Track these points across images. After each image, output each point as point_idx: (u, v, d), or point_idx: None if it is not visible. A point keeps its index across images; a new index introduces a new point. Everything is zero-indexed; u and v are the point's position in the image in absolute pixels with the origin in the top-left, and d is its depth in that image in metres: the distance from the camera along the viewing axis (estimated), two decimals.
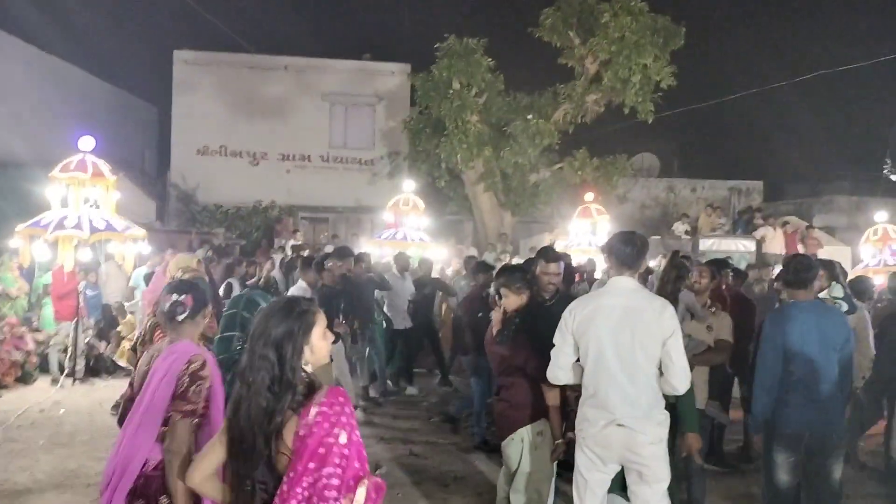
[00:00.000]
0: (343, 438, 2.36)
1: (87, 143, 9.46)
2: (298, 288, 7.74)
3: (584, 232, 14.19)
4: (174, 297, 3.28)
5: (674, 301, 5.89)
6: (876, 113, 17.67)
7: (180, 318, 3.24)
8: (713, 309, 6.73)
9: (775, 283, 8.67)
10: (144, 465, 3.05)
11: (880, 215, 12.48)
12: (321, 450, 2.34)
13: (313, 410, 2.37)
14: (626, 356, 3.71)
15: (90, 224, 9.16)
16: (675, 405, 4.19)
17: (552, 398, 4.36)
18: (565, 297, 5.04)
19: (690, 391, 4.28)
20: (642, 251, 3.91)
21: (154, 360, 3.21)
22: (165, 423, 3.05)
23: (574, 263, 10.73)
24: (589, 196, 14.55)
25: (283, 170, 21.25)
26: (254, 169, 21.14)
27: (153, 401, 3.05)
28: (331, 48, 22.66)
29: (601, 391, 3.76)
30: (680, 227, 18.40)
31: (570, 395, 4.57)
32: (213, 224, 19.52)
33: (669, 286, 5.85)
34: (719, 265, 8.47)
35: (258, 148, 21.21)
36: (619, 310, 3.76)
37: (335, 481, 2.32)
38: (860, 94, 19.95)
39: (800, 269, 4.63)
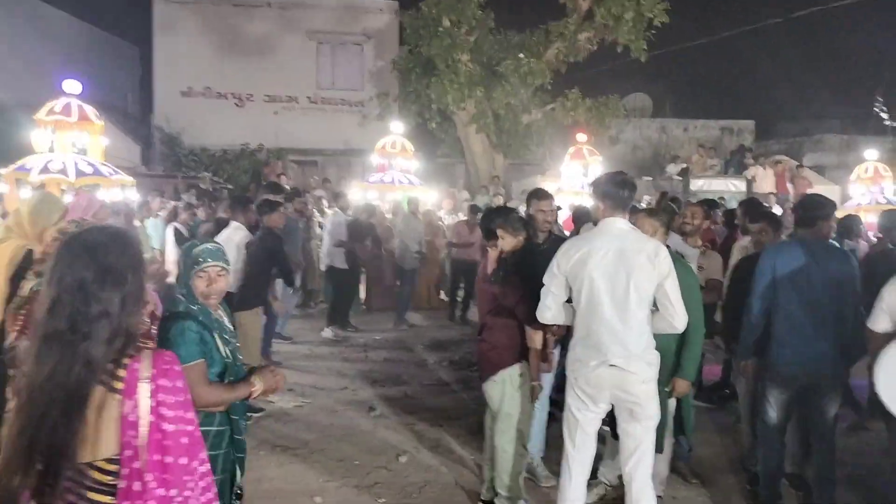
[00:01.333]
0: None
1: (72, 86, 9.21)
2: (236, 229, 7.17)
3: (576, 174, 14.09)
4: None
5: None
6: (866, 51, 17.50)
7: None
8: (703, 249, 6.77)
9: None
10: None
11: (870, 153, 12.46)
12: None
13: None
14: (620, 298, 3.72)
15: (76, 168, 9.01)
16: (678, 351, 4.26)
17: (536, 341, 4.43)
18: (558, 240, 5.04)
19: (699, 338, 4.32)
20: (633, 192, 3.91)
21: None
22: None
23: (567, 205, 10.76)
24: (581, 137, 14.40)
25: (270, 111, 20.91)
26: (239, 110, 20.80)
27: None
28: None
29: (593, 332, 3.78)
30: (672, 168, 18.35)
31: (549, 338, 4.65)
32: (199, 168, 19.27)
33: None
34: (710, 206, 8.51)
35: (244, 89, 20.83)
36: (613, 252, 3.74)
37: None
38: (850, 32, 19.74)
39: (808, 207, 4.62)
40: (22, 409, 1.85)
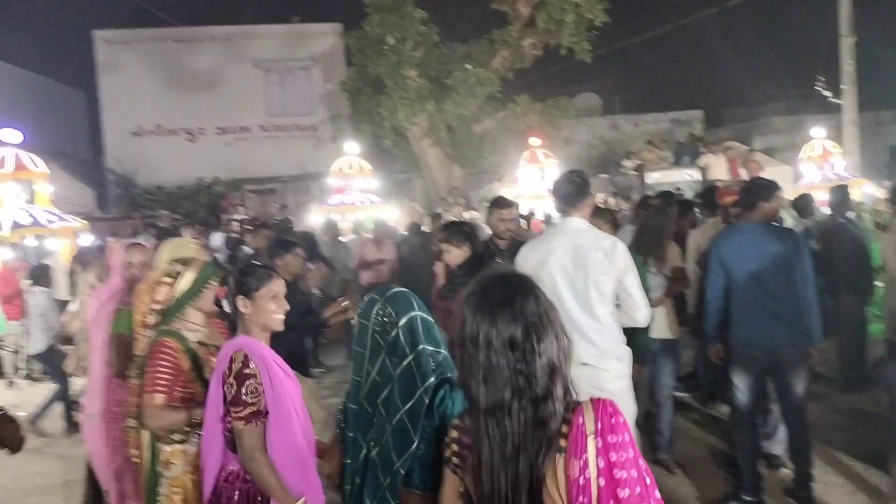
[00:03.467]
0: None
1: (11, 135, 9.08)
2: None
3: (533, 178, 14.23)
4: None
5: (683, 242, 5.95)
6: (803, 30, 17.93)
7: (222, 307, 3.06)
8: None
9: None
10: (220, 472, 2.84)
11: (816, 131, 12.75)
12: None
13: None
14: (582, 296, 3.74)
15: (13, 221, 8.84)
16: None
17: None
18: (519, 246, 5.06)
19: (644, 329, 4.35)
20: (583, 189, 3.90)
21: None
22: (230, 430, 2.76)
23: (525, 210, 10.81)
24: (535, 141, 14.57)
25: (222, 143, 20.81)
26: (192, 145, 20.66)
27: (212, 406, 2.81)
28: (256, 14, 22.05)
29: None
30: (628, 164, 18.57)
31: None
32: (155, 206, 19.05)
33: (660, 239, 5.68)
34: (666, 197, 8.64)
35: (194, 124, 20.70)
36: (571, 251, 3.77)
37: None
38: (786, 14, 20.22)
39: (749, 192, 4.74)
40: (483, 499, 1.67)
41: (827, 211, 7.94)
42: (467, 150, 18.21)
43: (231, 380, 2.69)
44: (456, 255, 4.54)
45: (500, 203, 5.45)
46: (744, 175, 15.56)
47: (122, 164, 19.87)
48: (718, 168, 16.47)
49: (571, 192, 3.88)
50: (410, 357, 2.33)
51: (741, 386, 4.61)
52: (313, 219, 12.46)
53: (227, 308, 5.10)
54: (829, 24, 16.07)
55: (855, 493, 4.77)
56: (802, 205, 8.08)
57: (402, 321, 2.37)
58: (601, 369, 3.75)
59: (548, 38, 16.95)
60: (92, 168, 22.16)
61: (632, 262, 3.81)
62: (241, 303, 2.86)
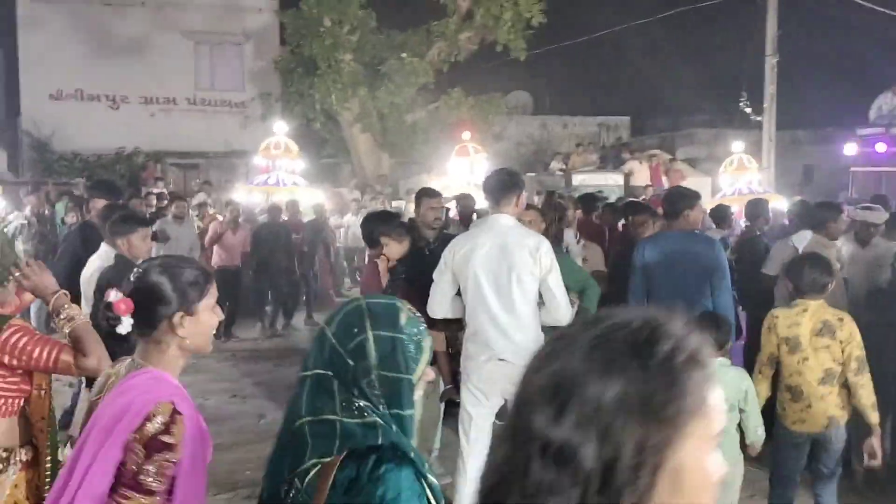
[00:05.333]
0: None
1: None
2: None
3: (462, 171, 14.29)
4: (110, 293, 1.98)
5: (559, 240, 6.07)
6: (730, 47, 18.58)
7: (119, 330, 1.97)
8: (582, 242, 7.04)
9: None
10: None
11: (736, 146, 13.25)
12: None
13: None
14: (504, 293, 3.78)
15: None
16: None
17: (438, 343, 4.42)
18: (448, 237, 5.10)
19: (592, 306, 4.54)
20: (512, 186, 3.94)
21: (102, 396, 2.01)
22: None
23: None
24: (466, 135, 14.62)
25: (146, 114, 20.08)
26: (114, 113, 19.86)
27: (88, 476, 1.81)
28: None
29: (481, 328, 3.84)
30: (555, 165, 18.89)
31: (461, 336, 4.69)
32: (71, 174, 18.27)
33: (554, 227, 5.97)
34: (591, 199, 8.84)
35: (118, 91, 19.92)
36: (496, 247, 3.81)
37: None
38: (715, 30, 20.87)
39: (672, 200, 4.89)
40: None
41: (743, 223, 8.27)
42: (398, 138, 18.19)
43: (139, 447, 1.81)
44: (395, 248, 4.52)
45: (428, 193, 5.48)
46: (666, 183, 16.05)
47: (39, 128, 18.96)
48: (641, 174, 16.91)
49: (500, 188, 3.93)
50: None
51: None
52: (238, 197, 12.20)
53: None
54: (753, 43, 16.70)
55: None
56: (720, 215, 8.37)
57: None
58: (518, 366, 3.74)
59: (485, 34, 17.10)
60: (6, 129, 21.08)
61: (555, 262, 3.85)
62: (177, 320, 1.95)
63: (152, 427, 1.82)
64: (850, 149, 13.45)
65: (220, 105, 20.86)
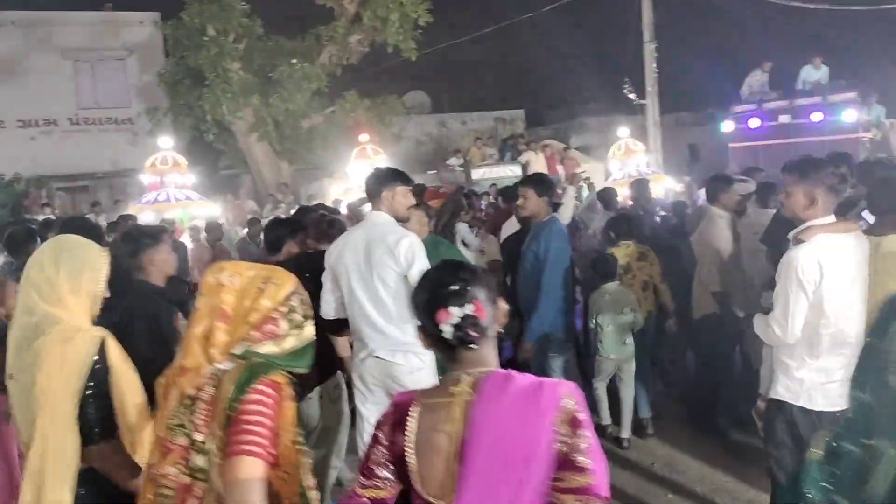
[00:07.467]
0: None
1: None
2: None
3: (362, 174, 14.25)
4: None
5: (450, 233, 6.16)
6: (613, 36, 19.21)
7: (475, 343, 1.89)
8: (482, 234, 7.19)
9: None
10: None
11: (622, 131, 13.76)
12: None
13: None
14: (371, 290, 3.78)
15: None
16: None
17: (343, 348, 4.42)
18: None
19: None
20: (381, 183, 3.93)
21: (475, 398, 1.83)
22: None
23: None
24: (364, 137, 14.63)
25: (26, 137, 19.18)
26: None
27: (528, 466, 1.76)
28: (67, 1, 20.52)
29: (356, 324, 3.86)
30: (454, 161, 19.10)
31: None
32: None
33: (445, 219, 6.11)
34: (512, 191, 9.06)
35: None
36: (362, 244, 3.82)
37: None
38: (598, 20, 21.54)
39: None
40: None
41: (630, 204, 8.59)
42: (296, 145, 18.00)
43: (566, 428, 1.79)
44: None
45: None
46: (561, 171, 16.49)
47: None
48: (537, 164, 17.32)
49: (371, 185, 3.98)
50: None
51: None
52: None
53: None
54: (634, 30, 17.36)
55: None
56: (607, 198, 8.67)
57: None
58: (394, 363, 3.78)
59: (374, 35, 17.13)
60: None
61: (419, 258, 3.75)
62: None
63: (570, 404, 1.81)
64: (728, 126, 14.16)
65: (106, 123, 20.14)
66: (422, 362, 3.83)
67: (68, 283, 2.46)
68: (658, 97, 17.57)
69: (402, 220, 3.96)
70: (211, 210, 12.11)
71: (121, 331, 2.62)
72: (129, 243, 3.57)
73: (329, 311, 4.01)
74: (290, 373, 2.14)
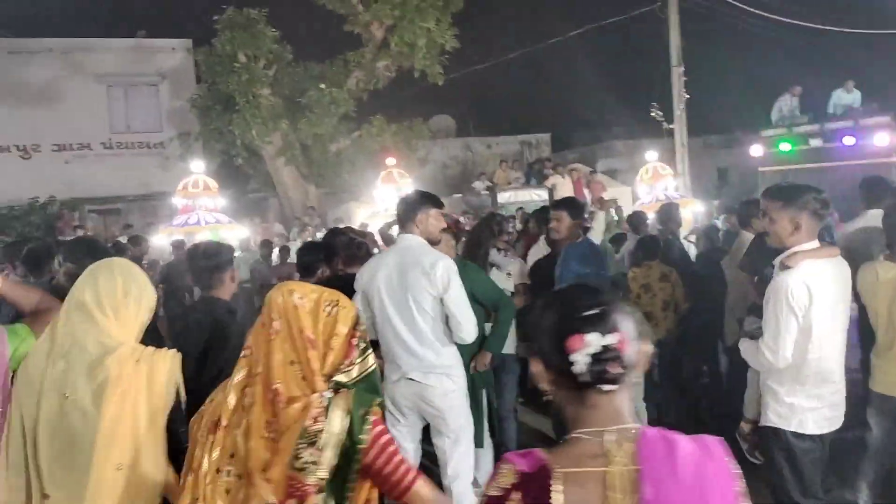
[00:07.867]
0: None
1: None
2: None
3: (389, 197, 14.34)
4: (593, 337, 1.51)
5: (485, 259, 6.12)
6: (642, 60, 19.23)
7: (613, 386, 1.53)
8: (506, 255, 7.15)
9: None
10: None
11: (650, 155, 13.69)
12: None
13: None
14: (405, 312, 3.79)
15: None
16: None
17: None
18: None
19: (508, 316, 4.49)
20: (414, 207, 3.94)
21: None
22: None
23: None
24: (390, 161, 14.73)
25: (60, 161, 19.55)
26: (26, 163, 19.28)
27: None
28: (102, 28, 21.01)
29: (389, 347, 3.86)
30: (479, 185, 19.12)
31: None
32: None
33: (481, 244, 5.99)
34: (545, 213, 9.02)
35: (28, 139, 19.34)
36: (396, 267, 3.84)
37: None
38: (627, 44, 21.57)
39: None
40: None
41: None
42: (323, 169, 18.16)
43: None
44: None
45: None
46: (587, 195, 16.44)
47: None
48: (565, 188, 17.28)
49: (402, 210, 4.00)
50: None
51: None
52: (158, 240, 11.94)
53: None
54: (663, 54, 17.35)
55: None
56: (636, 221, 8.62)
57: None
58: (427, 385, 3.79)
59: (401, 61, 17.29)
60: None
61: (454, 281, 3.78)
62: None
63: (735, 466, 1.50)
64: (757, 150, 14.07)
65: (138, 147, 20.49)
66: (454, 384, 3.85)
67: (134, 307, 2.50)
68: (686, 120, 17.49)
69: (433, 243, 3.98)
70: (240, 233, 12.23)
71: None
72: (212, 258, 3.60)
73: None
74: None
